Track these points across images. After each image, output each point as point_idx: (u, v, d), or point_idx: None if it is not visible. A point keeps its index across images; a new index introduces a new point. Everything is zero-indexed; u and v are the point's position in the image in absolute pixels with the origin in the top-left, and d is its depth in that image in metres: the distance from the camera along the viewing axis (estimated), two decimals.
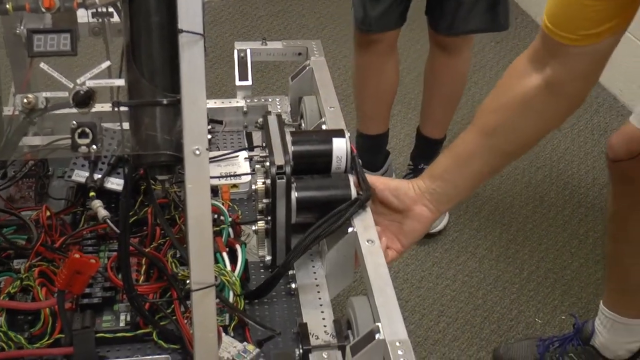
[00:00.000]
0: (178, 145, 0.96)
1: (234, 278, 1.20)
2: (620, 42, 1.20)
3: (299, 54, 1.69)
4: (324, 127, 1.43)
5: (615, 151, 1.61)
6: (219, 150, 1.58)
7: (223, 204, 1.37)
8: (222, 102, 1.66)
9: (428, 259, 2.10)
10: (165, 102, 0.96)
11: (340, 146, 1.29)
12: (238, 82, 1.65)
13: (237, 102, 1.65)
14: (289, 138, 1.30)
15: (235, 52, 1.66)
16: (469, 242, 2.19)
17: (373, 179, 1.33)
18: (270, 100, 1.65)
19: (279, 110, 1.62)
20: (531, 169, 2.48)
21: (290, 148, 1.28)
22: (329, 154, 1.29)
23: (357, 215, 1.24)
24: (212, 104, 1.65)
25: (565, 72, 1.21)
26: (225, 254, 1.23)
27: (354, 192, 1.26)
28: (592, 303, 1.98)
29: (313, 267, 1.30)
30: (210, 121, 1.60)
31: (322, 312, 1.22)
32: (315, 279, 1.28)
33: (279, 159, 1.25)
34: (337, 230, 1.23)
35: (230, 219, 1.32)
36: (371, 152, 2.37)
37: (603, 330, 1.76)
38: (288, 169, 1.24)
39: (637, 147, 1.55)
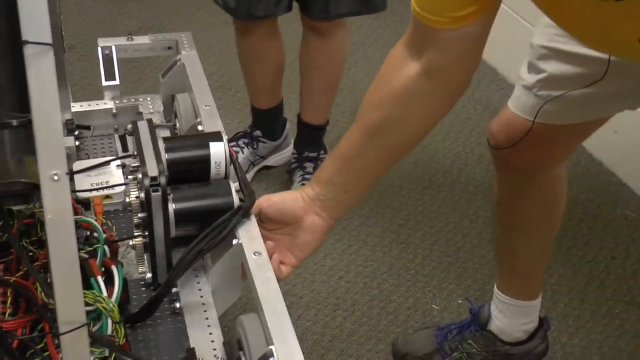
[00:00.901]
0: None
1: (111, 304, 1.09)
2: (498, 16, 1.15)
3: (169, 47, 1.59)
4: (200, 127, 1.34)
5: (496, 138, 1.56)
6: (88, 158, 1.46)
7: (96, 219, 1.26)
8: (89, 105, 1.54)
9: (320, 250, 2.02)
10: (14, 123, 0.85)
11: (219, 151, 1.20)
12: (105, 82, 1.53)
13: (105, 103, 1.53)
14: (162, 145, 1.20)
15: (99, 49, 1.54)
16: (360, 229, 2.12)
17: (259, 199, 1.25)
18: (141, 100, 1.54)
19: (151, 110, 1.52)
20: (417, 149, 2.41)
21: (164, 156, 1.18)
22: (206, 160, 1.20)
23: (241, 225, 1.15)
24: (78, 107, 1.53)
25: (440, 58, 1.15)
26: (100, 278, 1.12)
27: (236, 200, 1.18)
28: (488, 284, 1.95)
29: (198, 283, 1.21)
30: (77, 127, 1.47)
31: (211, 333, 1.14)
32: (201, 296, 1.19)
33: (152, 170, 1.15)
34: (221, 242, 1.14)
35: (104, 236, 1.22)
36: (268, 124, 2.31)
37: (499, 314, 1.73)
38: (163, 180, 1.14)
39: (516, 134, 1.49)
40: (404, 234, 2.15)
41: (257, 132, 2.30)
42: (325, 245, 2.03)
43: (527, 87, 1.48)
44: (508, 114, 1.53)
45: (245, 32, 2.12)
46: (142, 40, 1.58)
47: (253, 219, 1.16)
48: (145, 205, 1.14)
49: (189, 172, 1.20)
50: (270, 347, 0.96)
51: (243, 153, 2.27)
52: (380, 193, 2.26)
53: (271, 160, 2.37)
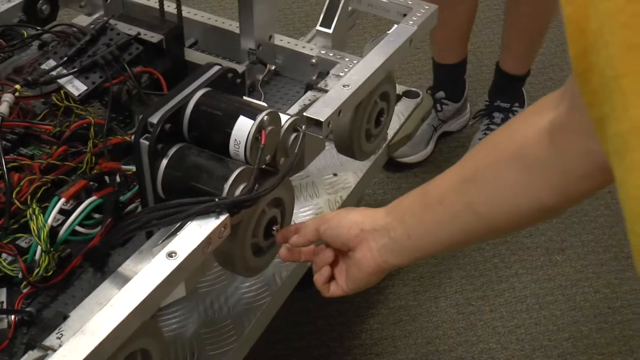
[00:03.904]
0: None
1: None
2: None
3: (404, 15, 1.34)
4: (295, 106, 1.12)
5: None
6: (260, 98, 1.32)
7: None
8: (296, 45, 1.37)
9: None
10: None
11: (243, 128, 0.98)
12: (319, 27, 1.36)
13: (311, 49, 1.36)
14: (197, 95, 1.02)
15: None
16: None
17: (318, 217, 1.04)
18: (347, 60, 1.32)
19: (341, 74, 1.29)
20: None
21: (189, 107, 1.00)
22: (227, 133, 0.99)
23: (202, 219, 0.94)
24: (282, 42, 1.37)
25: (568, 111, 0.77)
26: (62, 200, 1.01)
27: (227, 191, 0.96)
28: None
29: None
30: (258, 61, 1.34)
31: None
32: None
33: (156, 116, 0.99)
34: (168, 225, 0.96)
35: None
36: (452, 82, 2.12)
37: None
38: (157, 130, 0.97)
39: None
40: None
41: (440, 94, 2.09)
42: None
43: None
44: None
45: None
46: None
47: (222, 219, 0.94)
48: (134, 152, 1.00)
49: (210, 137, 1.01)
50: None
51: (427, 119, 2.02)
52: None
53: (452, 125, 2.15)
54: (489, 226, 0.91)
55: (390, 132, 1.52)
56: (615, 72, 0.48)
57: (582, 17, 0.52)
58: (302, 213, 1.36)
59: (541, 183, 0.84)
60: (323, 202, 1.39)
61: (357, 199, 1.46)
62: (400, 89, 1.64)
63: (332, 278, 1.02)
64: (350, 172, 1.45)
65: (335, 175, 1.45)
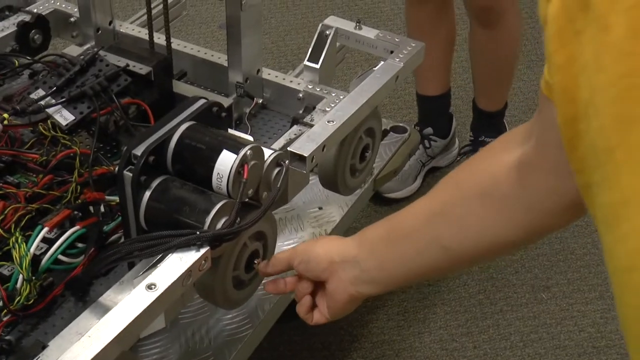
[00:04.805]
0: None
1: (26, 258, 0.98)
2: None
3: (391, 52, 1.35)
4: (281, 140, 1.13)
5: None
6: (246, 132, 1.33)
7: None
8: (284, 79, 1.39)
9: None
10: None
11: (226, 162, 0.99)
12: (306, 62, 1.37)
13: (298, 83, 1.37)
14: (181, 129, 1.03)
15: (320, 27, 1.38)
16: None
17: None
18: (333, 94, 1.34)
19: (327, 109, 1.31)
20: None
21: (173, 140, 1.01)
22: (210, 167, 1.00)
23: (183, 251, 0.95)
24: (271, 76, 1.39)
25: (537, 149, 0.78)
26: (44, 230, 1.02)
27: (208, 224, 0.97)
28: None
29: None
30: (246, 95, 1.35)
31: None
32: None
33: (140, 148, 1.00)
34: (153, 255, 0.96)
35: None
36: (437, 116, 2.12)
37: None
38: (141, 162, 0.98)
39: None
40: None
41: (428, 130, 2.08)
42: None
43: None
44: None
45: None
46: (368, 33, 1.37)
47: (202, 252, 0.95)
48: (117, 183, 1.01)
49: (193, 171, 1.02)
50: None
51: (414, 154, 2.04)
52: None
53: (440, 160, 2.15)
54: (455, 258, 0.92)
55: (377, 167, 1.53)
56: (608, 143, 0.49)
57: (573, 86, 0.52)
58: (286, 246, 1.37)
59: (508, 219, 0.84)
60: (308, 235, 1.40)
61: (342, 232, 1.46)
62: (388, 123, 1.65)
63: (315, 306, 1.03)
64: (336, 206, 1.46)
65: (320, 208, 1.45)
